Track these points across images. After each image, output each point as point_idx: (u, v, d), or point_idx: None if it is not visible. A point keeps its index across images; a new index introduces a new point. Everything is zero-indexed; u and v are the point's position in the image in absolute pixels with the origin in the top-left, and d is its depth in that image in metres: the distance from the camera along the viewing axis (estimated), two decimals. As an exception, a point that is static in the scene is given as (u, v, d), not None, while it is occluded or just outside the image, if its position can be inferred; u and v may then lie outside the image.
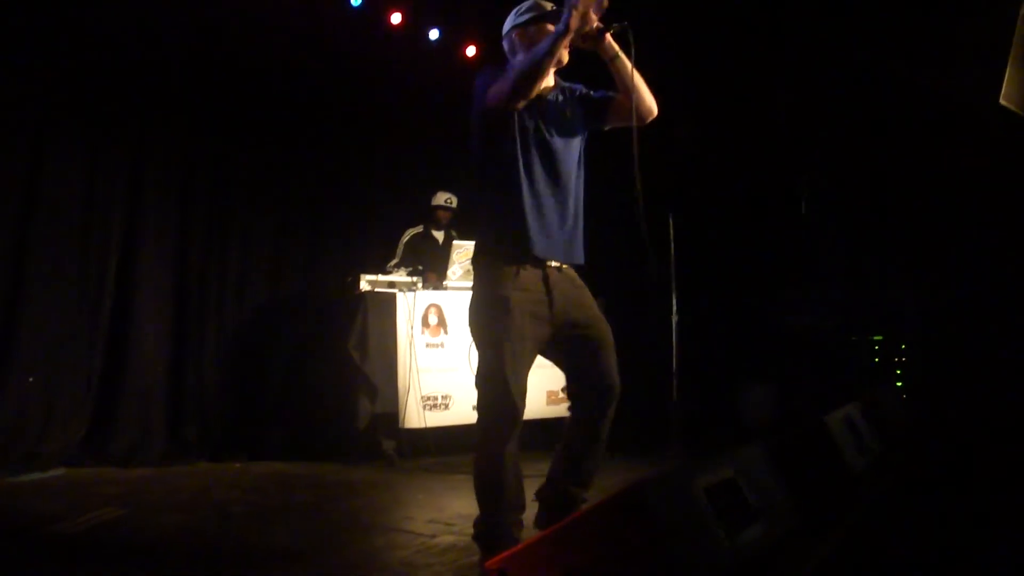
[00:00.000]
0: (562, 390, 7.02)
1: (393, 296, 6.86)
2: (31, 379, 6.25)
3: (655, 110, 3.82)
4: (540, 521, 3.69)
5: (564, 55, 3.72)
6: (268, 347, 7.63)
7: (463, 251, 7.07)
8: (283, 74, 7.78)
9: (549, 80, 3.77)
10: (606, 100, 3.86)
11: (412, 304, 6.82)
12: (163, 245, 7.12)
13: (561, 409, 7.13)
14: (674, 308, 7.31)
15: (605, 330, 3.72)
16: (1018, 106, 6.13)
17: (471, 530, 3.68)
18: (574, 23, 3.40)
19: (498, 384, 3.55)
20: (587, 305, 3.74)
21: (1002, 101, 5.99)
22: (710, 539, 2.50)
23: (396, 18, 8.26)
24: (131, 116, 6.96)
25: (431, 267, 7.33)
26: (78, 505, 4.96)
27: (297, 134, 8.04)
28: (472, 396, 6.60)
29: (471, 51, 8.82)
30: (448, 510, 4.96)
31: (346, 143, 8.42)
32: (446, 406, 6.86)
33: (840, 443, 4.28)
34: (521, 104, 3.59)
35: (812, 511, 3.38)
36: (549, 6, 3.80)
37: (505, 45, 3.91)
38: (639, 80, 3.69)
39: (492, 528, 3.58)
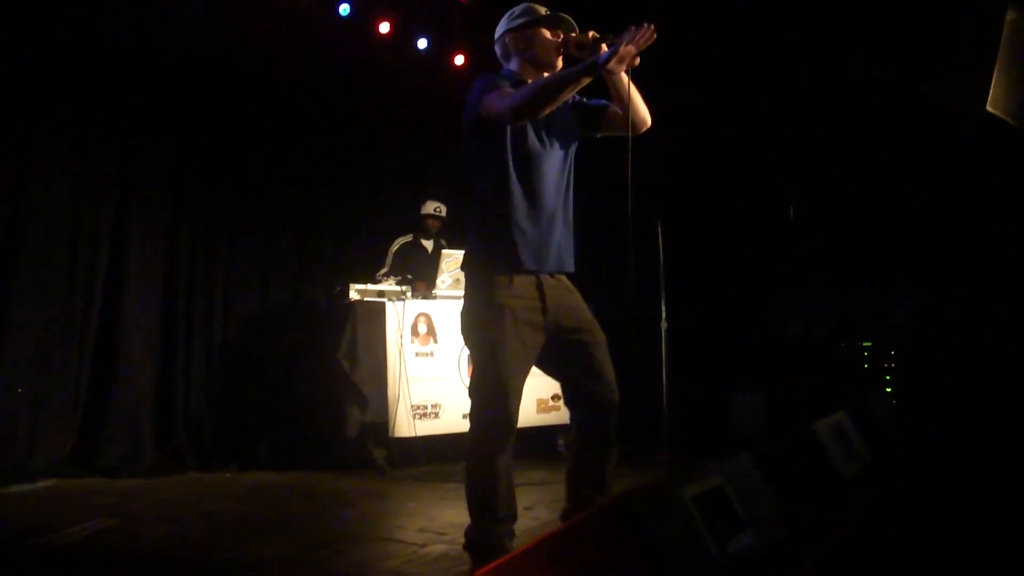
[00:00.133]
0: (552, 398, 7.04)
1: (382, 305, 6.86)
2: (19, 390, 6.23)
3: (649, 121, 3.80)
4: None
5: (559, 62, 3.73)
6: (257, 357, 7.62)
7: (452, 260, 7.08)
8: (272, 82, 7.78)
9: None
10: (600, 109, 3.85)
11: (401, 313, 6.81)
12: (151, 255, 7.11)
13: (552, 417, 7.15)
14: (663, 315, 7.32)
15: (599, 334, 3.70)
16: (1005, 112, 6.15)
17: (462, 539, 3.66)
18: (613, 66, 3.35)
19: (493, 392, 3.53)
20: (580, 310, 3.73)
21: (989, 107, 6.01)
22: (699, 548, 2.50)
23: (384, 27, 8.27)
24: (120, 125, 6.96)
25: (420, 276, 7.33)
26: (67, 516, 4.94)
27: (286, 143, 8.04)
28: (462, 405, 6.64)
29: (459, 60, 8.83)
30: (438, 519, 4.96)
31: (335, 152, 8.42)
32: (436, 415, 6.86)
33: (829, 450, 4.28)
34: (526, 121, 3.59)
35: (802, 519, 3.38)
36: (543, 10, 3.78)
37: (498, 49, 3.90)
38: (634, 91, 3.69)
39: (483, 537, 3.56)
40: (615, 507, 2.35)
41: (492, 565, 2.51)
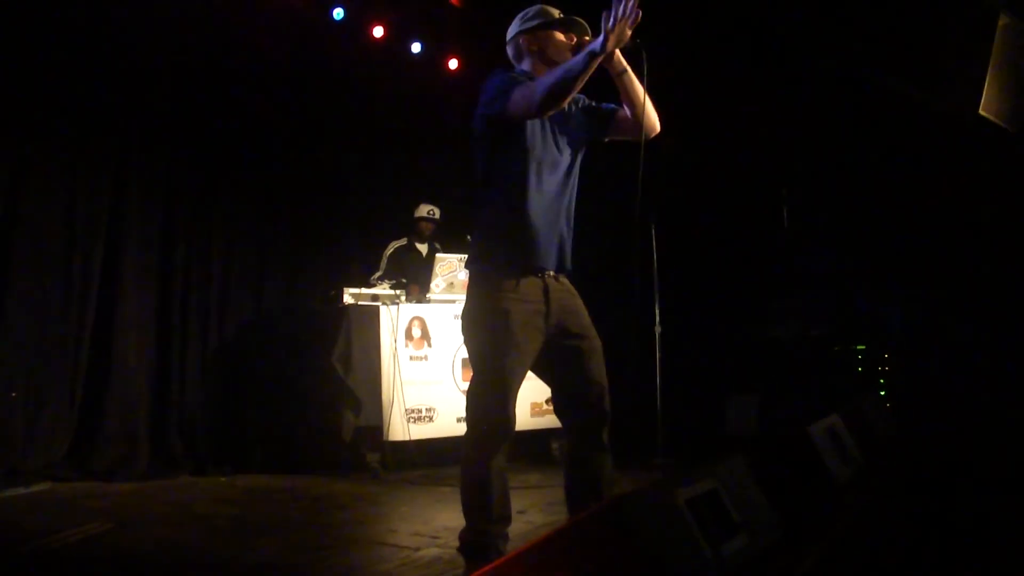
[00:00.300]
0: (546, 402, 7.02)
1: (376, 309, 6.87)
2: (13, 394, 6.23)
3: (658, 127, 3.80)
4: None
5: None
6: (252, 360, 7.62)
7: (446, 264, 7.09)
8: (266, 86, 7.80)
9: None
10: (610, 113, 3.85)
11: (395, 317, 6.82)
12: (146, 258, 7.12)
13: (546, 421, 7.13)
14: (657, 319, 7.32)
15: (596, 341, 3.69)
16: (997, 116, 6.16)
17: (455, 543, 3.66)
18: (611, 46, 3.35)
19: (491, 394, 3.53)
20: (581, 315, 3.72)
21: (981, 111, 6.02)
22: (693, 551, 2.50)
23: (378, 31, 8.28)
24: (115, 128, 6.97)
25: (414, 280, 7.33)
26: (63, 520, 4.94)
27: (280, 146, 8.06)
28: (456, 409, 6.65)
29: (453, 64, 8.85)
30: (432, 523, 4.96)
31: (329, 155, 8.44)
32: (430, 419, 6.86)
33: (824, 453, 4.28)
34: (544, 116, 3.59)
35: (796, 522, 3.38)
36: (556, 13, 3.78)
37: (510, 50, 3.89)
38: (646, 97, 3.69)
39: (477, 538, 3.55)
40: (609, 510, 2.35)
41: (486, 569, 2.51)
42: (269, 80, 7.79)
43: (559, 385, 3.73)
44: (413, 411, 6.76)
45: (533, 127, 3.63)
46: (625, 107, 3.78)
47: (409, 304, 7.01)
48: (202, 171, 7.57)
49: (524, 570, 2.38)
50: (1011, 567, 3.45)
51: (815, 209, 8.62)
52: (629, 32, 3.37)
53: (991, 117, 6.09)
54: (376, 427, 6.68)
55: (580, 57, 3.40)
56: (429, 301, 7.11)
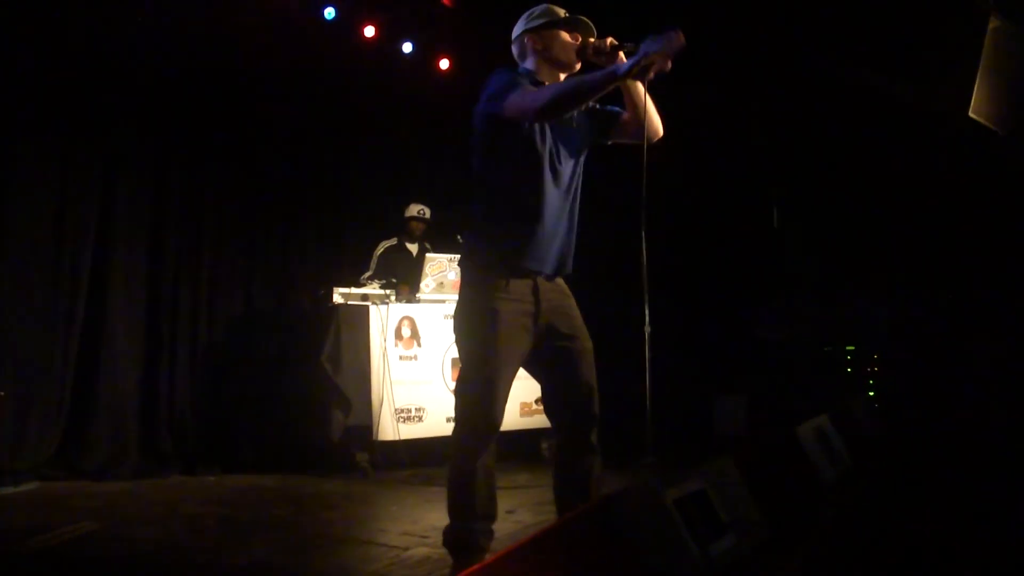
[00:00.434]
0: (536, 401, 7.03)
1: (366, 309, 6.86)
2: (2, 393, 6.21)
3: (661, 131, 3.80)
4: None
5: (577, 64, 3.72)
6: (241, 360, 7.61)
7: (436, 264, 7.08)
8: (256, 85, 7.77)
9: None
10: (613, 116, 3.84)
11: (385, 317, 6.82)
12: (135, 259, 7.10)
13: (535, 421, 7.14)
14: (647, 319, 7.32)
15: (587, 342, 3.70)
16: (987, 118, 6.18)
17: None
18: (636, 75, 3.36)
19: (479, 393, 3.54)
20: (572, 316, 3.72)
21: (972, 113, 6.05)
22: (681, 551, 2.51)
23: (370, 31, 8.27)
24: (104, 127, 6.93)
25: (404, 280, 7.32)
26: (51, 519, 4.93)
27: (270, 146, 8.05)
28: (446, 409, 6.65)
29: (444, 64, 8.84)
30: (421, 522, 4.96)
31: (319, 155, 8.44)
32: (420, 419, 6.86)
33: (811, 454, 4.30)
34: (539, 122, 3.57)
35: (783, 522, 3.39)
36: (562, 12, 3.77)
37: (515, 49, 3.86)
38: (648, 101, 3.68)
39: (460, 535, 3.57)
40: (597, 510, 2.36)
41: (474, 568, 2.51)
42: (259, 80, 7.76)
43: (548, 386, 3.74)
44: (402, 411, 6.76)
45: (535, 129, 3.60)
46: (628, 110, 3.79)
47: (399, 304, 7.00)
48: (192, 170, 7.54)
49: (513, 570, 2.39)
50: (998, 566, 3.46)
51: (805, 211, 8.64)
52: (669, 66, 3.35)
53: (981, 119, 6.12)
54: (366, 427, 6.67)
55: (599, 75, 3.40)
56: (419, 301, 7.10)
